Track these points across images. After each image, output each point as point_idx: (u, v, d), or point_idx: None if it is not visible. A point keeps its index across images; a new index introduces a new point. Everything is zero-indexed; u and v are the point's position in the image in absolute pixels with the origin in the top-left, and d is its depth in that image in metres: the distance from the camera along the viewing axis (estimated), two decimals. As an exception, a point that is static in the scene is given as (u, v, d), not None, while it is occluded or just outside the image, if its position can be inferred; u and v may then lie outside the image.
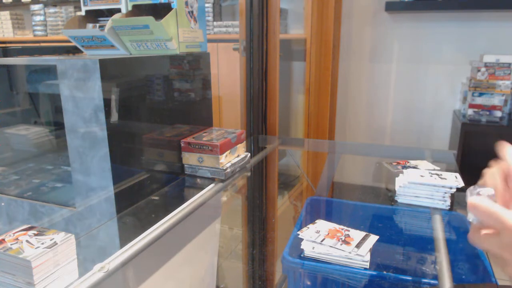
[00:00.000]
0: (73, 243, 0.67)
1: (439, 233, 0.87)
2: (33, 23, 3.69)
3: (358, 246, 0.82)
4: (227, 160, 1.15)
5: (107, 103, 0.88)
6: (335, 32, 2.18)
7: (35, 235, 0.66)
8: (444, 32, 2.16)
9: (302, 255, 0.84)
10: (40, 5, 3.63)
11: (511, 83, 1.87)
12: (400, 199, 1.07)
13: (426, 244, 0.93)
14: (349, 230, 0.89)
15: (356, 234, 0.87)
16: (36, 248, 0.62)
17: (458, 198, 1.04)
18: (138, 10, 1.10)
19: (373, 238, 0.85)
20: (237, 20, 2.52)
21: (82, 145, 0.92)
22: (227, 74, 2.48)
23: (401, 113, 2.36)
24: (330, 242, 0.83)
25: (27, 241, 0.64)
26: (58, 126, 1.32)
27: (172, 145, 1.13)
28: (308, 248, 0.83)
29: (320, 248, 0.82)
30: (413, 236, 1.02)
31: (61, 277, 0.65)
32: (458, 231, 1.01)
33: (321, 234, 0.86)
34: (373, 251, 0.83)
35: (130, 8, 1.09)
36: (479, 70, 1.91)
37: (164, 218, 0.90)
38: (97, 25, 1.11)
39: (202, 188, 1.07)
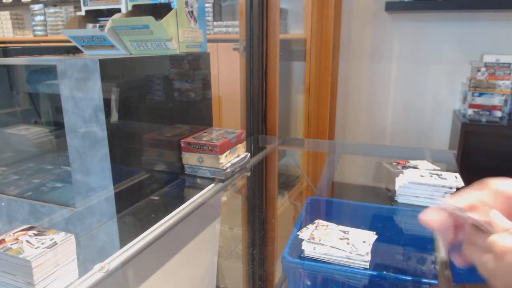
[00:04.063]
0: (73, 243, 0.67)
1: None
2: (33, 23, 3.69)
3: (358, 246, 0.82)
4: (227, 160, 1.15)
5: (107, 103, 0.88)
6: (335, 32, 2.18)
7: (35, 235, 0.66)
8: (444, 32, 2.16)
9: (302, 255, 0.84)
10: (40, 5, 3.63)
11: (511, 83, 1.87)
12: (400, 199, 1.07)
13: (426, 244, 0.93)
14: (349, 230, 0.89)
15: (356, 234, 0.87)
16: (36, 248, 0.62)
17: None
18: (138, 10, 1.10)
19: (373, 238, 0.85)
20: (237, 20, 2.52)
21: (82, 145, 0.92)
22: (227, 74, 2.48)
23: (401, 113, 2.36)
24: (330, 242, 0.83)
25: (27, 241, 0.64)
26: (58, 126, 1.32)
27: (172, 145, 1.13)
28: (309, 248, 0.83)
29: (320, 248, 0.82)
30: (413, 236, 1.02)
31: (61, 277, 0.65)
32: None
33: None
34: (373, 251, 0.83)
35: (130, 8, 1.09)
36: (479, 70, 1.90)
37: (164, 218, 0.90)
38: (97, 25, 1.11)
39: (202, 188, 1.07)
